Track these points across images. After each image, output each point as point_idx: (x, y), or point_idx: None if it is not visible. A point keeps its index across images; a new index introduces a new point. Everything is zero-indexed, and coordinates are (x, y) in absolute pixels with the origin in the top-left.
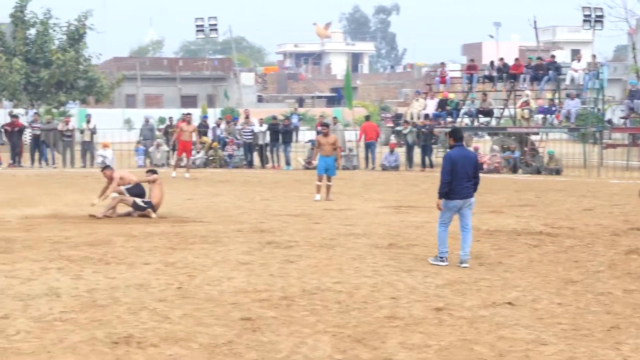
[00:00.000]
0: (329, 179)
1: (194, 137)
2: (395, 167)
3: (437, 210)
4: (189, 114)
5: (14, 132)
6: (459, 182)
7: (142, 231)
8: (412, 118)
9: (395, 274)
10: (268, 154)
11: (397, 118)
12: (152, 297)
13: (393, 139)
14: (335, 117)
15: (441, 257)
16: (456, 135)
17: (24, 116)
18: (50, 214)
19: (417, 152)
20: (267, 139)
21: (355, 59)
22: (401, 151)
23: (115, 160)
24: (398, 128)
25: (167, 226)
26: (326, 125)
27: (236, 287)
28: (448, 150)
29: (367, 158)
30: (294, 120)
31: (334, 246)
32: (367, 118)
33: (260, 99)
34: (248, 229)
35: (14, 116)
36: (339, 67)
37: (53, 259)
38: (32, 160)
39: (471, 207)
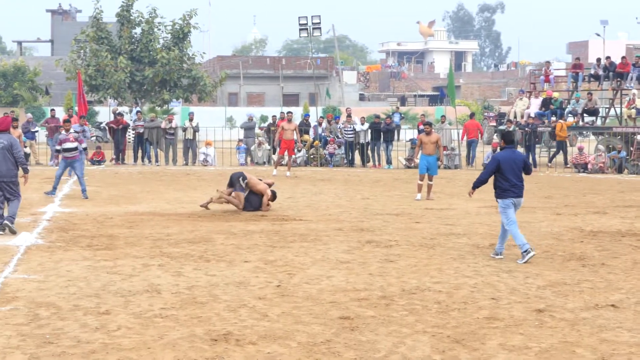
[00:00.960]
0: (430, 178)
1: (296, 136)
2: None
3: (469, 196)
4: (290, 112)
5: (118, 129)
6: (511, 183)
7: (242, 229)
8: (515, 117)
9: (496, 275)
10: (369, 152)
11: (501, 117)
12: (251, 294)
13: (496, 138)
14: (443, 116)
15: (525, 251)
16: (507, 138)
17: (128, 114)
18: (152, 211)
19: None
20: (369, 137)
21: (459, 57)
22: None
23: (217, 158)
24: (501, 127)
25: (267, 224)
26: (429, 124)
27: (335, 286)
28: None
29: (468, 157)
30: (396, 119)
31: (434, 246)
32: (471, 116)
33: (362, 98)
34: (348, 227)
35: (118, 114)
36: (442, 65)
37: (154, 255)
38: (135, 157)
39: (520, 206)
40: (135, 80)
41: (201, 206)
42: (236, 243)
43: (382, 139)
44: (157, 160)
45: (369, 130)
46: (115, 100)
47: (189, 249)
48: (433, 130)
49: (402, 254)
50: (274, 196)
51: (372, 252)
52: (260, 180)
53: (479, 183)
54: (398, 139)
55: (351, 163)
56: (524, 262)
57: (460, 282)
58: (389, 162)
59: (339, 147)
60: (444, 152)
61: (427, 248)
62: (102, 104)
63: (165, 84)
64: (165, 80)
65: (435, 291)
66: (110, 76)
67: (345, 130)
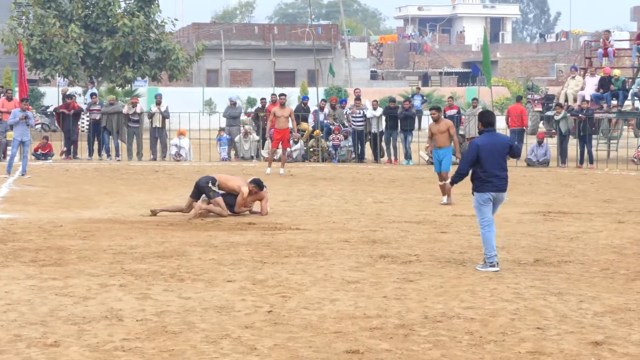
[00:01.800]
0: (444, 177)
1: (291, 124)
2: (545, 163)
3: (478, 209)
4: (282, 94)
5: (69, 116)
6: (490, 173)
7: (224, 240)
8: (566, 100)
9: (542, 298)
10: (383, 144)
11: (548, 100)
12: (236, 322)
13: (542, 126)
14: (475, 99)
15: (490, 262)
16: (484, 119)
17: (81, 96)
18: (111, 217)
19: (572, 144)
20: (383, 126)
21: (495, 25)
22: (552, 142)
23: (193, 152)
24: (548, 113)
25: (256, 234)
26: (436, 108)
27: (341, 312)
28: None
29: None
30: (417, 102)
31: (465, 262)
32: (519, 99)
33: (374, 76)
34: (357, 238)
35: (68, 96)
36: (474, 35)
37: (114, 273)
38: (90, 150)
39: (501, 202)
40: (90, 54)
41: (152, 211)
42: (217, 258)
43: (399, 127)
44: (117, 154)
45: (383, 117)
46: (66, 79)
47: (158, 265)
48: (442, 116)
49: (425, 271)
50: (258, 186)
51: (386, 269)
52: (233, 176)
53: (458, 177)
54: (419, 128)
55: (360, 158)
56: (479, 271)
57: (498, 307)
58: (407, 156)
59: (346, 137)
60: None
61: (455, 265)
62: (49, 83)
63: (128, 59)
64: (128, 53)
65: (466, 319)
66: (59, 49)
67: (353, 117)
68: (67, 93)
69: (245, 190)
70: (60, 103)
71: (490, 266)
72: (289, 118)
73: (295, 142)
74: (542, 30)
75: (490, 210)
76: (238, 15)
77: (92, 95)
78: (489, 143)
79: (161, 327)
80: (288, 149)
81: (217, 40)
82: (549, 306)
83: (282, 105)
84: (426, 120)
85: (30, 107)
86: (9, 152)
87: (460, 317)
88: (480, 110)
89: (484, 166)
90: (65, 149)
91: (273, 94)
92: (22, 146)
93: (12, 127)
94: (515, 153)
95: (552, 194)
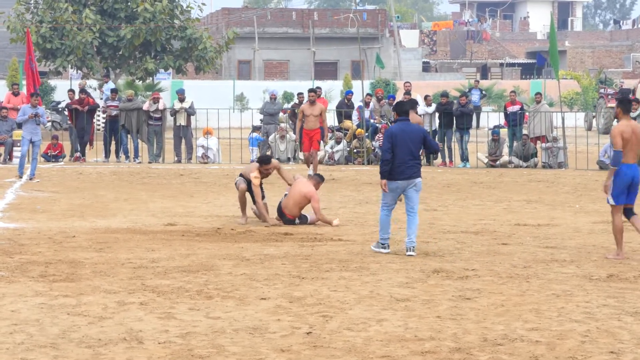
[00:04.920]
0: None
1: (322, 124)
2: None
3: (382, 191)
4: (314, 89)
5: (82, 113)
6: (401, 160)
7: (257, 253)
8: None
9: (617, 318)
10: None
11: (623, 95)
12: (271, 345)
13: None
14: (539, 94)
15: (382, 244)
16: (399, 108)
17: (97, 91)
18: (130, 227)
19: None
20: (436, 124)
21: (564, 10)
22: None
23: (222, 153)
24: None
25: (293, 246)
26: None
27: (389, 334)
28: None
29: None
30: (475, 97)
31: (529, 277)
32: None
33: (426, 68)
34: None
35: (83, 91)
36: (539, 22)
37: (134, 290)
38: (107, 152)
39: (417, 188)
40: (106, 43)
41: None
42: (249, 272)
43: (454, 126)
44: (137, 156)
45: (437, 114)
46: (79, 71)
47: (183, 281)
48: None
49: (484, 288)
50: (260, 162)
51: (440, 285)
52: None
53: (384, 165)
54: (478, 127)
55: None
56: (373, 250)
57: (567, 328)
58: (464, 158)
59: None
60: (543, 144)
61: (518, 281)
62: (61, 76)
63: (149, 49)
64: (149, 42)
65: (530, 341)
66: (72, 37)
67: None
68: (82, 87)
69: (256, 181)
70: (76, 98)
71: (382, 247)
72: (320, 117)
73: (325, 144)
74: (616, 16)
75: (396, 197)
76: None
77: (112, 91)
78: (402, 131)
79: (187, 350)
80: (318, 151)
81: (250, 28)
82: (624, 327)
83: (312, 102)
84: (485, 118)
85: (41, 101)
86: (15, 153)
87: (523, 339)
88: (544, 104)
89: (397, 154)
90: (78, 153)
91: (311, 90)
92: (32, 146)
93: (20, 125)
94: (431, 147)
95: None
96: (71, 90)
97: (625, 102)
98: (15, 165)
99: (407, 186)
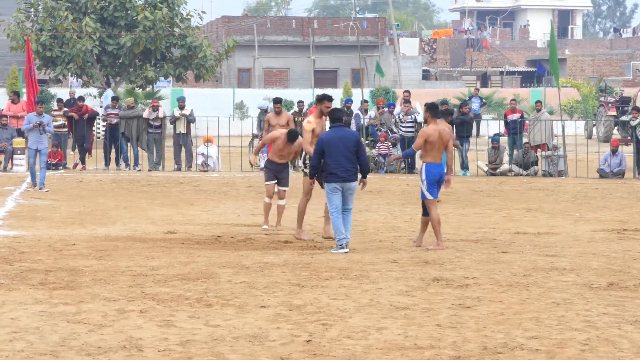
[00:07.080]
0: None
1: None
2: (619, 174)
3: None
4: (280, 100)
5: (81, 121)
6: (338, 164)
7: (257, 260)
8: None
9: (617, 327)
10: None
11: (623, 103)
12: (270, 353)
13: (616, 133)
14: (539, 102)
15: (340, 245)
16: (332, 115)
17: (97, 98)
18: (130, 235)
19: None
20: None
21: (564, 18)
22: (628, 151)
23: (221, 161)
24: (624, 118)
25: (293, 254)
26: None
27: (389, 342)
28: None
29: None
30: (475, 106)
31: (529, 285)
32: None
33: (426, 76)
34: (406, 259)
35: (80, 98)
36: (539, 30)
37: (134, 298)
38: (107, 160)
39: (351, 191)
40: (106, 51)
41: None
42: (249, 280)
43: (454, 134)
44: (136, 164)
45: None
46: (79, 79)
47: (183, 289)
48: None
49: (484, 296)
50: (293, 135)
51: (440, 294)
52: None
53: (313, 170)
54: (478, 135)
55: (411, 168)
56: (333, 253)
57: (566, 337)
58: (464, 166)
59: (394, 145)
60: (543, 152)
61: (518, 289)
62: (61, 84)
63: (149, 57)
64: (149, 50)
65: (530, 350)
66: (72, 45)
67: (402, 123)
68: (79, 95)
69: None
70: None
71: (340, 248)
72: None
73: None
74: (617, 24)
75: (339, 198)
76: (273, 7)
77: (113, 99)
78: (334, 137)
79: (186, 358)
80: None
81: (250, 36)
82: (624, 336)
83: (278, 113)
84: (485, 126)
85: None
86: (15, 161)
87: (523, 348)
88: (545, 112)
89: (331, 158)
90: (78, 160)
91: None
92: (39, 155)
93: (21, 133)
94: (361, 156)
95: (627, 209)
96: (60, 100)
97: (433, 107)
98: (15, 173)
99: (343, 188)
